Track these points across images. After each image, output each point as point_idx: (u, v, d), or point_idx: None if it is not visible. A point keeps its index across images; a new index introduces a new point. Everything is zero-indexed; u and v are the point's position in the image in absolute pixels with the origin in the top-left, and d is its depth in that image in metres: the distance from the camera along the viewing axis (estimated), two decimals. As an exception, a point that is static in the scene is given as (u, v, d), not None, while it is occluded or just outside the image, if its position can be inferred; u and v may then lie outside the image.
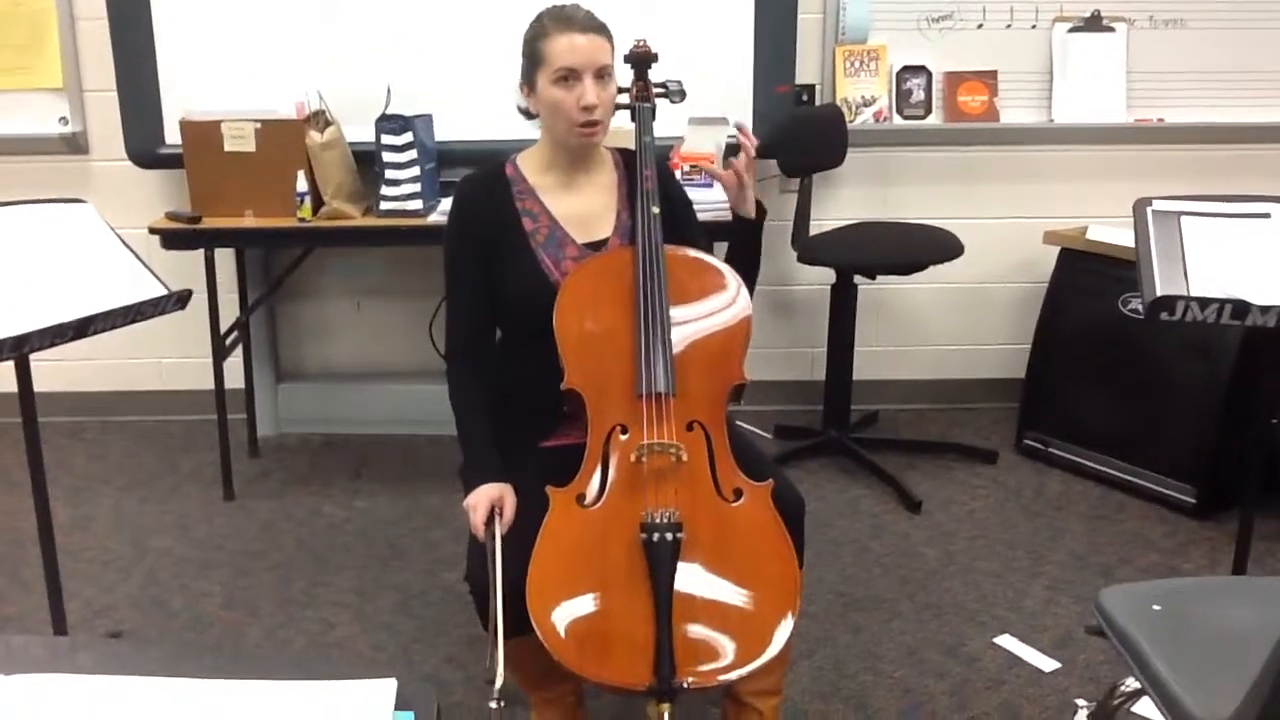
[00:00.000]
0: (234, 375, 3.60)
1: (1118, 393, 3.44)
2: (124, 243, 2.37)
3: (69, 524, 3.26)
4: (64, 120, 3.78)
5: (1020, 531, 3.22)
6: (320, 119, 3.33)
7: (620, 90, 2.23)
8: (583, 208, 2.20)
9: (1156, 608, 1.73)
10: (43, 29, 3.68)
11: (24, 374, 2.30)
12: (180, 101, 3.47)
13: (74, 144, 3.79)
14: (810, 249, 3.52)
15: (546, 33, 2.08)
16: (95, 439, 3.92)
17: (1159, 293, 2.17)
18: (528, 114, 2.20)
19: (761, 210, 2.26)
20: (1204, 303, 2.15)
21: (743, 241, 2.26)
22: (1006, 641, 2.67)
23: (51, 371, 3.63)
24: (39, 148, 3.78)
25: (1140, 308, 2.23)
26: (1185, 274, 2.22)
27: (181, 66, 3.55)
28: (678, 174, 3.00)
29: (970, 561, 3.05)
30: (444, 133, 3.42)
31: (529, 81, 2.12)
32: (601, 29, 2.10)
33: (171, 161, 3.51)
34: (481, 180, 2.21)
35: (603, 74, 2.09)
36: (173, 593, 2.93)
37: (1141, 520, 3.27)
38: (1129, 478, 3.42)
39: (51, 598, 2.40)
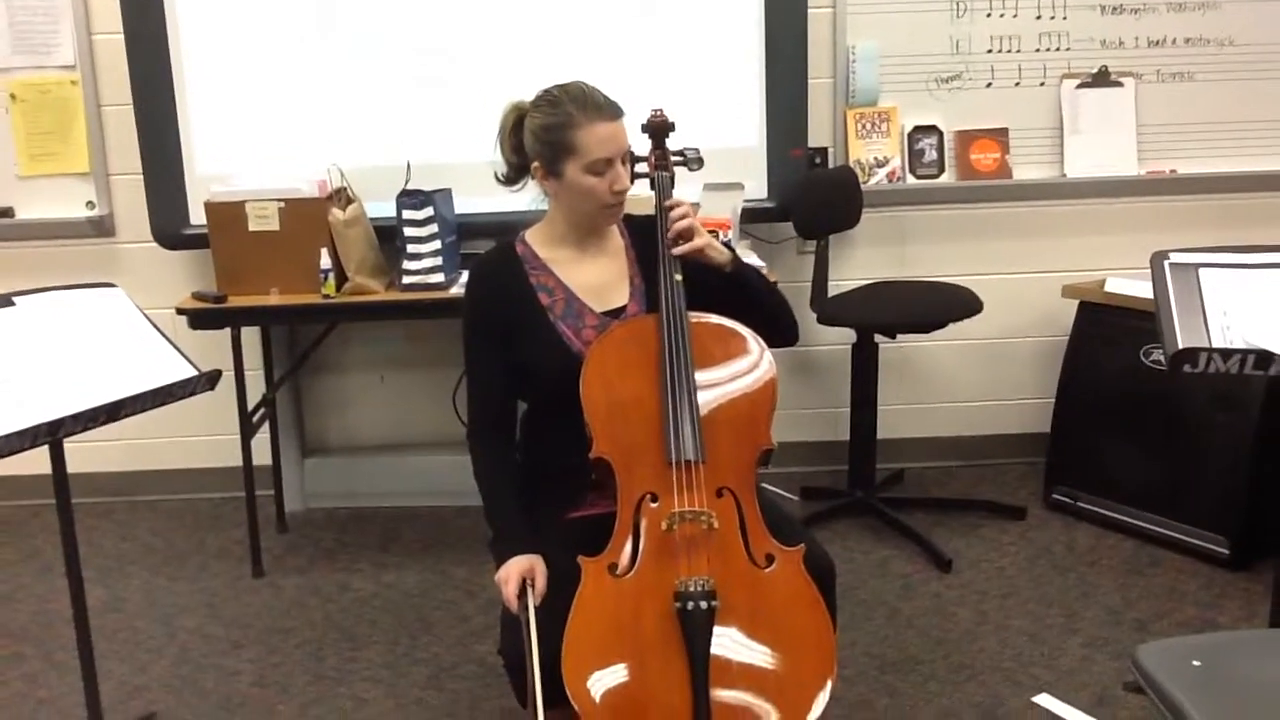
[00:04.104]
0: (260, 451, 3.62)
1: (1145, 444, 3.43)
2: (154, 325, 2.41)
3: (100, 605, 3.27)
4: (91, 204, 3.85)
5: (1053, 588, 3.19)
6: (342, 196, 3.39)
7: (638, 159, 2.28)
8: (596, 277, 2.23)
9: (1195, 663, 1.71)
10: (70, 116, 3.77)
11: (58, 458, 2.32)
12: (204, 183, 3.54)
13: (101, 227, 3.86)
14: (829, 310, 3.54)
15: (576, 123, 2.08)
16: (124, 519, 3.94)
17: (1180, 345, 2.17)
18: (509, 181, 2.24)
19: (732, 252, 2.23)
20: (1226, 354, 2.15)
21: (738, 293, 2.20)
22: (1045, 701, 2.64)
23: (80, 452, 3.66)
24: (67, 231, 3.85)
25: (1162, 359, 2.23)
26: (1206, 325, 2.22)
27: (205, 149, 3.63)
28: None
29: (1004, 620, 3.02)
30: (464, 206, 3.47)
31: (552, 168, 2.13)
32: (622, 111, 2.14)
33: (197, 242, 3.58)
34: (493, 260, 2.25)
35: (627, 156, 2.14)
36: (204, 672, 2.93)
37: (1175, 573, 3.25)
38: (1160, 530, 3.40)
39: (87, 684, 2.40)
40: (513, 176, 2.25)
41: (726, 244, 2.26)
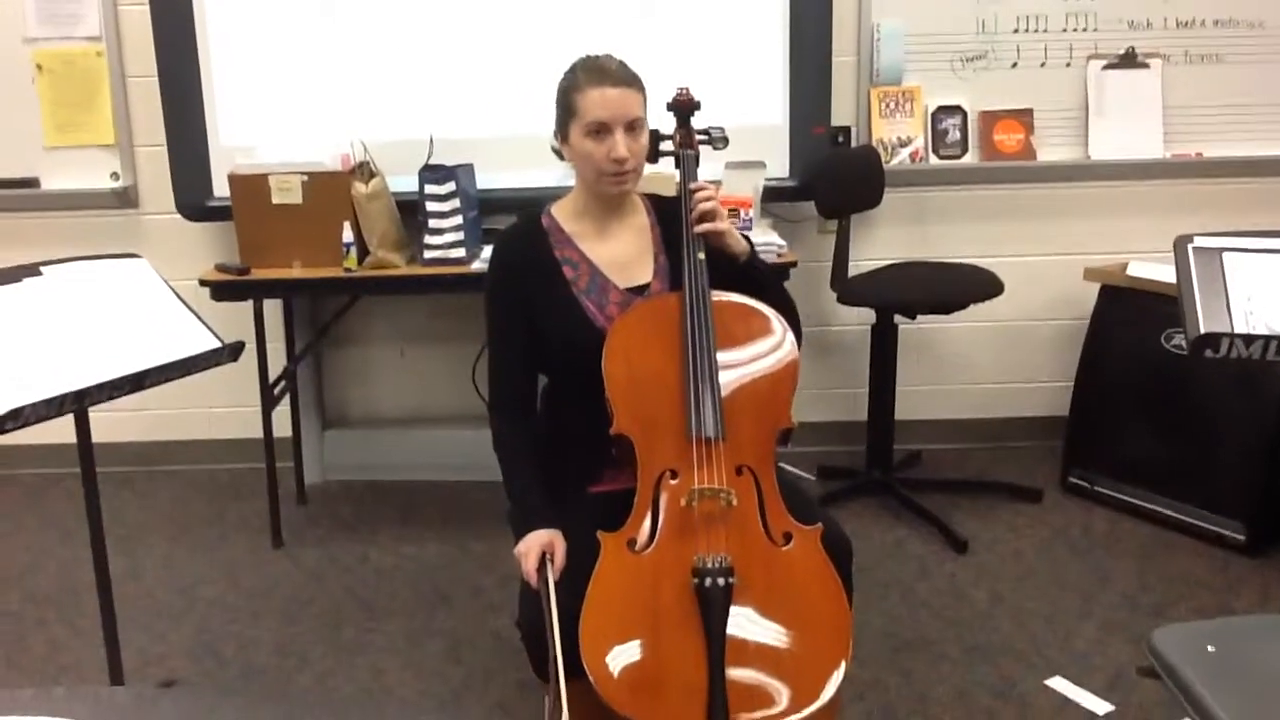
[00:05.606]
0: (281, 423, 3.65)
1: (1164, 429, 3.42)
2: (178, 297, 2.42)
3: (121, 573, 3.29)
4: (115, 175, 3.87)
5: (1068, 571, 3.19)
6: (365, 170, 3.39)
7: (664, 137, 2.28)
8: (620, 253, 2.23)
9: (1210, 648, 1.72)
10: (95, 87, 3.78)
11: (83, 427, 2.34)
12: (227, 155, 3.54)
13: (125, 198, 3.88)
14: (850, 289, 3.53)
15: (579, 85, 2.11)
16: (146, 488, 3.97)
17: (1202, 330, 2.16)
18: (561, 155, 2.24)
19: (749, 244, 2.23)
20: (1248, 339, 2.14)
21: (747, 287, 2.19)
22: (1058, 683, 2.64)
23: (103, 422, 3.70)
24: (91, 202, 3.87)
25: (1184, 344, 2.22)
26: (1229, 310, 2.21)
27: (229, 122, 3.64)
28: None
29: (1019, 602, 3.02)
30: (486, 181, 3.48)
31: (562, 131, 2.16)
32: (633, 81, 2.13)
33: (220, 214, 3.59)
34: (519, 233, 2.25)
35: (634, 126, 2.12)
36: (224, 640, 2.96)
37: (1191, 558, 3.24)
38: (1177, 515, 3.39)
39: (109, 650, 2.43)
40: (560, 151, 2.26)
41: (746, 237, 2.25)
